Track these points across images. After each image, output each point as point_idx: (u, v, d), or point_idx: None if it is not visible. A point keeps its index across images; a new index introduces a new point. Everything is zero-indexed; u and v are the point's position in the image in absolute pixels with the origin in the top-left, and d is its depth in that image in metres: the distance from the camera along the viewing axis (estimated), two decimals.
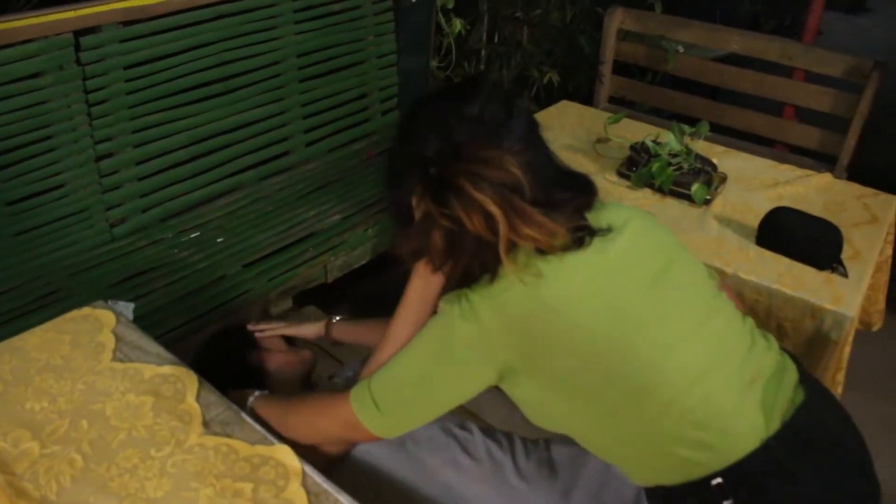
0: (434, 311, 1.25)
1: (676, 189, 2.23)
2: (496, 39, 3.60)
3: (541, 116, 2.81)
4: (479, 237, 1.10)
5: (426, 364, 1.21)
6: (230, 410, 1.30)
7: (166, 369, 1.38)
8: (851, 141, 2.84)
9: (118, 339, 1.45)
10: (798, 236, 1.97)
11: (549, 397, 1.18)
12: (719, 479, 1.13)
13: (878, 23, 6.72)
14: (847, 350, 1.89)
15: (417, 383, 1.22)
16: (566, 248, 1.13)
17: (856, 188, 2.35)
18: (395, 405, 1.23)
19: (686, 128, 2.31)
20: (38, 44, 2.06)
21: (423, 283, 1.29)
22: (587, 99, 3.36)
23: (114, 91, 2.25)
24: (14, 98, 2.06)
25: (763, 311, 1.90)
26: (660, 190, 2.25)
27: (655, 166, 2.22)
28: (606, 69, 3.39)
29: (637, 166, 2.29)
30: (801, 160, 2.87)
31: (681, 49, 3.25)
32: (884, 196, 2.31)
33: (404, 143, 1.21)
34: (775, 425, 1.15)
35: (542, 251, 1.13)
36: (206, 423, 1.27)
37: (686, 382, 1.13)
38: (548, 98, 3.52)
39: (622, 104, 3.42)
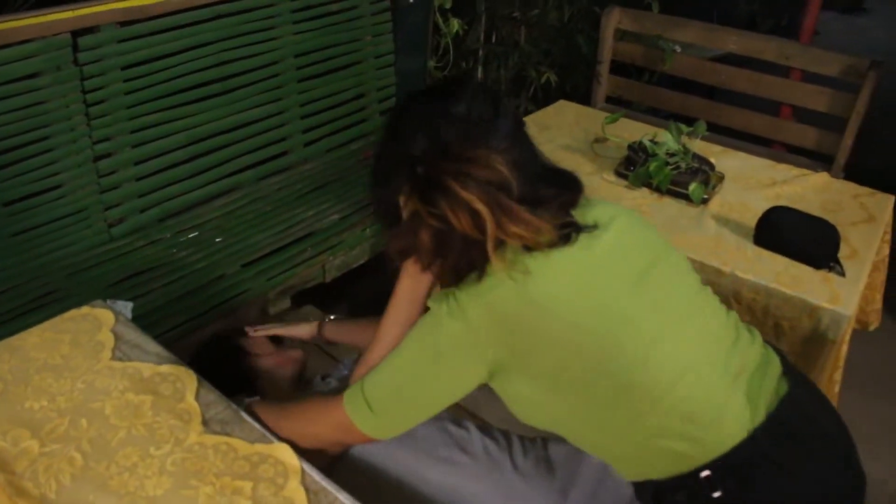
0: (424, 311, 1.25)
1: (674, 188, 2.23)
2: (494, 39, 3.61)
3: (538, 116, 2.82)
4: (467, 236, 1.10)
5: (417, 364, 1.21)
6: (229, 409, 1.31)
7: (165, 368, 1.38)
8: (848, 140, 2.85)
9: (117, 338, 1.46)
10: (795, 235, 1.98)
11: (538, 394, 1.19)
12: (707, 472, 1.14)
13: (876, 23, 6.74)
14: (844, 349, 1.90)
15: (409, 383, 1.22)
16: (553, 245, 1.14)
17: (852, 187, 2.36)
18: (388, 406, 1.23)
19: (683, 127, 2.31)
20: (35, 44, 2.06)
21: (411, 282, 1.30)
22: (585, 99, 3.36)
23: (112, 91, 2.25)
24: (12, 98, 2.06)
25: (760, 310, 1.91)
26: (657, 189, 2.25)
27: (653, 166, 2.22)
28: (604, 69, 3.40)
29: (635, 166, 2.29)
30: (798, 160, 2.88)
31: (678, 49, 3.26)
32: (880, 195, 2.31)
33: (391, 142, 1.22)
34: (761, 417, 1.16)
35: (528, 248, 1.14)
36: (205, 422, 1.27)
37: (672, 376, 1.15)
38: (545, 98, 3.53)
39: (619, 104, 3.42)
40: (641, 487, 1.24)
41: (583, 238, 1.18)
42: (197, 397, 1.32)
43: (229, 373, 1.65)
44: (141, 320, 1.90)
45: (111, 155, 2.30)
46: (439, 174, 1.10)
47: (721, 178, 2.33)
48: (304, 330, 1.83)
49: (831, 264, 1.94)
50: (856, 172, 2.75)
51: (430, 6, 3.07)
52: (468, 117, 1.16)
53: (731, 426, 1.15)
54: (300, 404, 1.36)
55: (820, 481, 1.18)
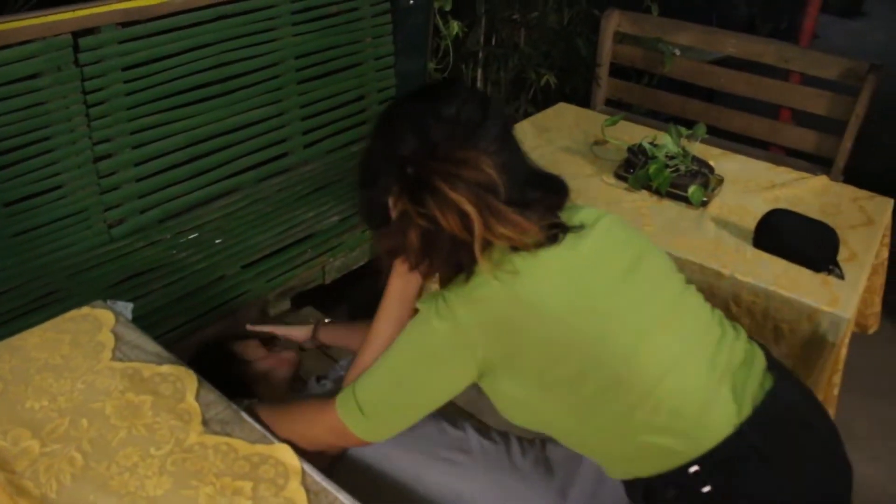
0: (414, 312, 1.26)
1: (673, 191, 2.23)
2: (493, 42, 3.61)
3: (538, 118, 2.82)
4: (455, 236, 1.11)
5: (406, 366, 1.22)
6: (229, 409, 1.31)
7: (165, 368, 1.38)
8: (847, 144, 2.85)
9: (117, 338, 1.46)
10: (795, 238, 1.98)
11: (527, 393, 1.19)
12: (696, 467, 1.15)
13: (874, 26, 6.75)
14: (844, 352, 1.90)
15: (399, 385, 1.23)
16: (539, 245, 1.16)
17: (851, 191, 2.36)
18: (379, 408, 1.24)
19: (683, 130, 2.32)
20: (36, 45, 2.07)
21: (401, 282, 1.31)
22: (584, 101, 3.37)
23: (112, 92, 2.25)
24: (13, 99, 2.06)
25: (760, 313, 1.91)
26: (657, 192, 2.26)
27: (653, 168, 2.23)
28: (603, 72, 3.40)
29: (634, 168, 2.29)
30: (797, 163, 2.88)
31: (677, 52, 3.26)
32: (879, 199, 2.31)
33: (381, 142, 1.22)
34: (747, 411, 1.17)
35: (515, 248, 1.15)
36: (205, 422, 1.27)
37: (659, 371, 1.16)
38: (545, 100, 3.53)
39: (619, 107, 3.43)
40: (631, 486, 1.25)
41: (569, 238, 1.19)
42: (197, 397, 1.32)
43: (224, 379, 1.66)
44: (141, 321, 1.90)
45: (111, 156, 2.31)
46: (428, 175, 1.11)
47: (720, 180, 2.33)
48: (298, 332, 1.84)
49: (830, 267, 1.94)
50: (855, 176, 2.76)
51: (430, 8, 3.08)
52: (458, 119, 1.16)
53: (717, 420, 1.16)
54: (295, 407, 1.37)
55: (807, 473, 1.20)
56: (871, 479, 2.33)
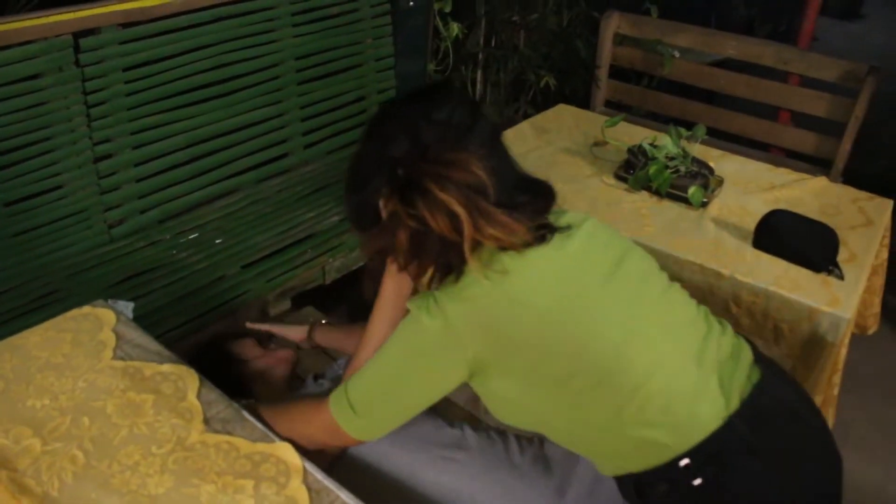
0: (407, 312, 1.27)
1: (673, 192, 2.24)
2: (493, 43, 3.62)
3: (537, 119, 2.83)
4: (444, 237, 1.13)
5: (397, 365, 1.23)
6: (231, 408, 1.31)
7: (167, 367, 1.38)
8: (847, 145, 2.86)
9: (119, 337, 1.46)
10: (794, 239, 1.98)
11: (518, 391, 1.20)
12: (687, 460, 1.16)
13: (873, 29, 6.76)
14: (843, 352, 1.90)
15: (390, 384, 1.24)
16: (528, 245, 1.17)
17: (851, 192, 2.37)
18: (371, 407, 1.25)
19: (683, 131, 2.32)
20: (37, 45, 2.07)
21: (395, 282, 1.33)
22: (583, 103, 3.37)
23: (113, 93, 2.25)
24: (13, 99, 2.06)
25: (760, 313, 1.92)
26: (657, 192, 2.26)
27: (653, 169, 2.23)
28: (603, 73, 3.41)
29: (634, 169, 2.30)
30: (796, 164, 2.89)
31: (677, 54, 3.26)
32: (879, 200, 2.32)
33: (373, 144, 1.24)
34: (735, 404, 1.19)
35: (504, 248, 1.17)
36: (206, 421, 1.27)
37: (648, 365, 1.17)
38: (544, 102, 3.54)
39: (618, 108, 3.43)
40: (623, 483, 1.26)
41: (556, 239, 1.21)
42: (198, 396, 1.32)
43: (221, 378, 1.66)
44: (141, 321, 1.89)
45: (112, 156, 2.31)
46: (419, 176, 1.13)
47: (720, 181, 2.34)
48: (295, 332, 1.85)
49: (830, 268, 1.94)
50: (854, 177, 2.76)
51: (430, 10, 3.08)
52: (449, 122, 1.18)
53: (706, 413, 1.17)
54: (292, 406, 1.38)
55: (797, 464, 1.21)
56: (870, 479, 2.33)
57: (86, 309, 1.54)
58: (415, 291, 1.28)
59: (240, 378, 1.75)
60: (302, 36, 2.70)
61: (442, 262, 1.17)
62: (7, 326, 1.94)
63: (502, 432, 1.54)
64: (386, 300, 1.35)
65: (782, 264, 1.97)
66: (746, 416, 1.18)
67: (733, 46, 3.13)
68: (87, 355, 1.41)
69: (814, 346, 1.87)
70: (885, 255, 2.23)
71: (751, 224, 2.08)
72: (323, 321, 1.84)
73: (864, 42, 6.32)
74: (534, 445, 1.52)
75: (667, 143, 2.30)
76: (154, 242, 2.36)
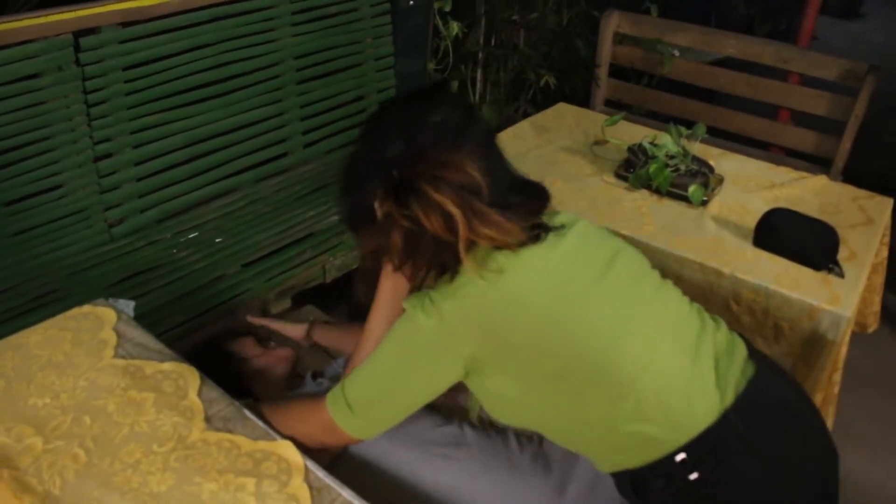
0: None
1: (674, 190, 2.24)
2: (493, 42, 3.61)
3: (538, 118, 2.83)
4: (438, 237, 1.14)
5: (393, 363, 1.24)
6: (232, 406, 1.31)
7: (168, 366, 1.38)
8: (847, 144, 2.86)
9: (119, 336, 1.46)
10: (795, 237, 1.99)
11: (514, 388, 1.21)
12: (683, 455, 1.17)
13: (872, 28, 6.76)
14: (844, 350, 1.90)
15: (386, 382, 1.25)
16: (522, 245, 1.19)
17: (851, 190, 2.37)
18: (367, 405, 1.26)
19: (683, 129, 2.32)
20: (37, 44, 2.06)
21: (391, 282, 1.34)
22: (583, 102, 3.37)
23: (113, 92, 2.25)
24: (13, 98, 2.06)
25: (760, 312, 1.92)
26: (657, 191, 2.26)
27: (653, 168, 2.23)
28: (603, 72, 3.41)
29: (634, 168, 2.30)
30: (796, 163, 2.89)
31: (676, 53, 3.27)
32: (879, 198, 2.32)
33: (368, 146, 1.26)
34: (730, 398, 1.20)
35: (498, 248, 1.18)
36: (208, 419, 1.28)
37: (641, 361, 1.18)
38: (544, 101, 3.53)
39: (618, 107, 3.43)
40: (620, 480, 1.26)
41: (550, 238, 1.23)
42: (199, 394, 1.33)
43: (221, 377, 1.66)
44: (141, 320, 1.89)
45: (112, 155, 2.30)
46: (413, 177, 1.14)
47: (720, 180, 2.34)
48: (293, 330, 1.86)
49: (830, 266, 1.94)
50: (854, 176, 2.76)
51: (429, 9, 3.08)
52: (444, 124, 1.20)
53: (702, 408, 1.18)
54: (289, 405, 1.38)
55: (793, 457, 1.22)
56: (870, 477, 2.33)
57: (86, 308, 1.54)
58: (412, 291, 1.29)
59: (239, 376, 1.75)
60: (301, 35, 2.70)
61: (437, 262, 1.18)
62: (6, 326, 1.93)
63: (502, 430, 1.54)
64: (384, 300, 1.36)
65: (783, 262, 1.97)
66: (741, 411, 1.19)
67: (733, 45, 3.13)
68: (88, 354, 1.41)
69: (814, 344, 1.87)
70: (885, 253, 2.23)
71: (751, 222, 2.08)
72: (324, 320, 1.84)
73: (864, 41, 6.33)
74: (533, 443, 1.52)
75: (667, 141, 2.30)
76: (154, 242, 2.36)
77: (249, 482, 1.16)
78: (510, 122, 3.12)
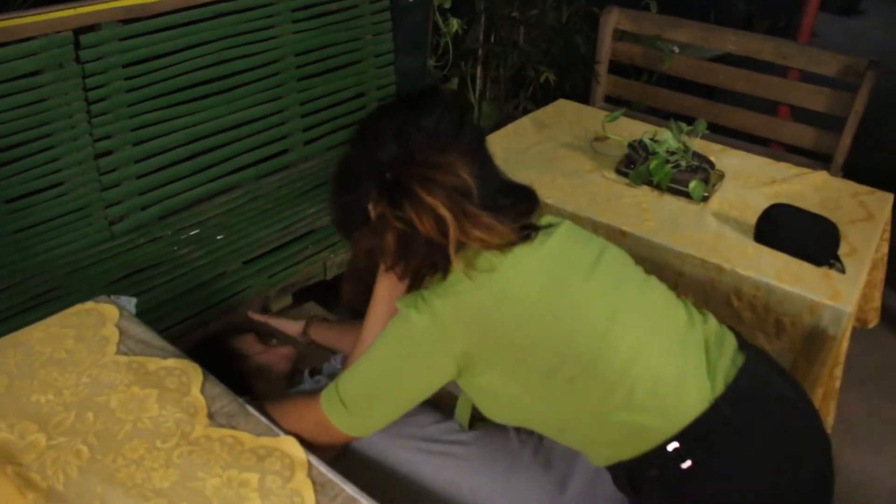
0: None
1: (674, 186, 2.24)
2: (493, 39, 3.61)
3: (538, 115, 2.83)
4: (430, 239, 1.15)
5: (387, 361, 1.24)
6: (235, 403, 1.31)
7: (170, 362, 1.38)
8: (847, 140, 2.86)
9: (122, 332, 1.46)
10: (795, 232, 1.99)
11: (508, 384, 1.22)
12: (675, 444, 1.18)
13: (872, 24, 6.76)
14: (845, 345, 1.90)
15: (380, 380, 1.25)
16: (512, 245, 1.20)
17: (851, 186, 2.37)
18: (361, 403, 1.26)
19: (683, 125, 2.32)
20: (38, 42, 2.07)
21: (388, 282, 1.34)
22: (583, 98, 3.37)
23: (113, 89, 2.25)
24: (14, 96, 2.06)
25: (762, 307, 1.92)
26: (658, 187, 2.26)
27: (653, 164, 2.23)
28: (602, 69, 3.40)
29: (635, 164, 2.30)
30: (796, 159, 2.88)
31: (676, 49, 3.26)
32: (879, 194, 2.32)
33: (362, 148, 1.28)
34: (720, 387, 1.21)
35: (488, 248, 1.19)
36: (211, 415, 1.28)
37: (631, 350, 1.20)
38: (544, 97, 3.53)
39: (618, 104, 3.43)
40: (616, 474, 1.27)
41: (539, 236, 1.25)
42: (202, 391, 1.32)
43: (221, 375, 1.66)
44: (143, 317, 1.88)
45: (112, 153, 2.31)
46: (406, 180, 1.16)
47: (721, 176, 2.34)
48: (291, 326, 1.86)
49: (831, 261, 1.94)
50: (854, 172, 2.76)
51: (429, 5, 3.08)
52: (436, 128, 1.22)
53: (692, 396, 1.19)
54: (287, 402, 1.38)
55: (785, 445, 1.22)
56: (871, 473, 2.33)
57: (88, 304, 1.54)
58: (409, 291, 1.30)
59: (240, 374, 1.75)
60: (302, 32, 2.71)
61: (428, 262, 1.19)
62: (8, 323, 1.94)
63: (502, 426, 1.54)
64: (380, 300, 1.37)
65: (783, 258, 1.97)
66: (732, 399, 1.20)
67: (733, 42, 3.13)
68: (91, 350, 1.41)
69: (815, 339, 1.88)
70: (885, 249, 2.23)
71: (752, 218, 2.08)
72: (322, 317, 1.83)
73: (864, 38, 6.32)
74: (534, 439, 1.52)
75: (667, 137, 2.30)
76: (155, 239, 2.36)
77: (253, 478, 1.16)
78: (510, 118, 3.12)
